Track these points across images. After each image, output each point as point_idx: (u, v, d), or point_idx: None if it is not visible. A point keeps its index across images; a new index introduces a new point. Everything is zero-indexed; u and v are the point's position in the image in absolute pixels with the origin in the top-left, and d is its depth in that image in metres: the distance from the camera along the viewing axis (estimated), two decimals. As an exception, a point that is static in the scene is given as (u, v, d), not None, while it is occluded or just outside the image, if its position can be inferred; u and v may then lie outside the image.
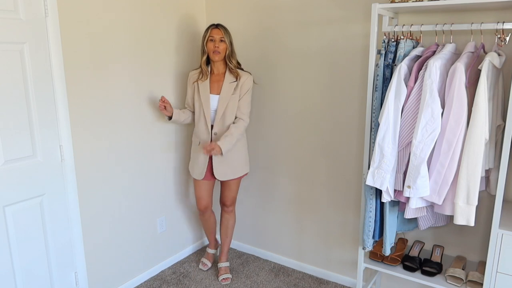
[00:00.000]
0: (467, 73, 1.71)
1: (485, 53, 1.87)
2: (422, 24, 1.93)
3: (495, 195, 1.94)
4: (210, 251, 2.97)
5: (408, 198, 1.90)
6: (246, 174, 2.68)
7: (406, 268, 2.10)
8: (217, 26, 2.45)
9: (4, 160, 1.92)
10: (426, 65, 1.78)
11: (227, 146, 2.42)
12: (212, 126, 2.52)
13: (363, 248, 2.08)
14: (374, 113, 2.01)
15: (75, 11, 2.12)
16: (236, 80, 2.47)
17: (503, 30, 1.78)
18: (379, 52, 1.99)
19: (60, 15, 2.05)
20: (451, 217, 2.11)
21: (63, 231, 2.23)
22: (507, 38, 1.78)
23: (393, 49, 1.96)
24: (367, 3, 2.29)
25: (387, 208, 1.98)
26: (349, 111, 2.48)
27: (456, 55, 1.91)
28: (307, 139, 2.68)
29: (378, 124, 1.87)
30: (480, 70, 1.70)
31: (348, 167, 2.55)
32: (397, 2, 1.92)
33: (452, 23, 1.86)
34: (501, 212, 1.90)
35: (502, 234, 1.77)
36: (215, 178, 2.58)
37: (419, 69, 1.85)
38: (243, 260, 3.04)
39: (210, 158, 2.55)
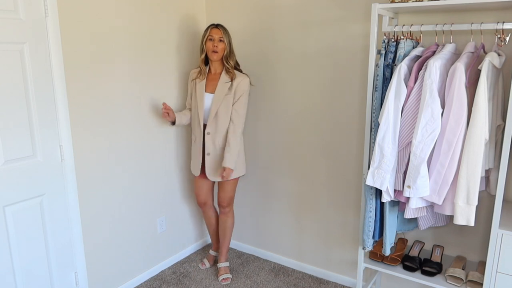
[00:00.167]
0: (467, 73, 1.71)
1: (485, 53, 1.87)
2: (422, 24, 1.93)
3: (495, 195, 1.94)
4: (212, 252, 2.97)
5: (408, 198, 1.90)
6: (241, 176, 2.66)
7: (406, 268, 2.10)
8: (216, 26, 2.47)
9: (4, 160, 1.92)
10: (426, 65, 1.78)
11: (231, 161, 2.47)
12: (205, 126, 2.54)
13: (363, 248, 2.08)
14: (374, 113, 2.01)
15: (75, 11, 2.12)
16: (231, 81, 2.47)
17: (503, 30, 1.78)
18: (379, 52, 1.99)
19: (60, 15, 2.05)
20: (451, 217, 2.12)
21: (63, 231, 2.23)
22: (507, 38, 1.78)
23: (393, 49, 1.96)
24: (367, 3, 2.29)
25: (387, 208, 1.98)
26: (349, 111, 2.48)
27: (456, 55, 1.91)
28: (307, 139, 2.68)
29: (378, 124, 1.87)
30: (480, 70, 1.70)
31: (348, 167, 2.55)
32: (397, 2, 1.92)
33: (452, 23, 1.86)
34: (501, 212, 1.90)
35: (502, 234, 1.77)
36: None
37: (419, 69, 1.85)
38: (243, 260, 3.04)
39: (203, 157, 2.57)
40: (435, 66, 1.73)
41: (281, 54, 2.67)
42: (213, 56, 2.45)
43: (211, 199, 2.79)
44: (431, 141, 1.77)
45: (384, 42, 1.97)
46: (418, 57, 1.92)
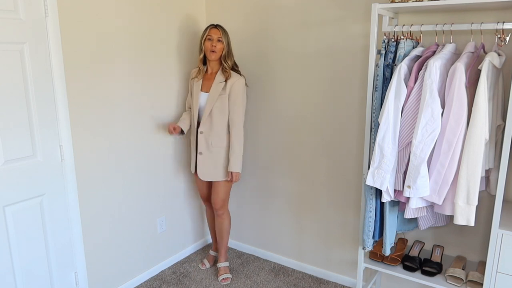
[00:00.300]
0: (467, 73, 1.71)
1: (485, 53, 1.87)
2: (422, 24, 1.93)
3: (495, 195, 1.94)
4: (212, 253, 2.97)
5: (408, 198, 1.90)
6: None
7: (406, 268, 2.10)
8: (216, 26, 2.48)
9: (4, 160, 1.92)
10: (426, 65, 1.77)
11: (236, 164, 2.50)
12: (199, 124, 2.57)
13: (363, 248, 2.08)
14: (374, 113, 2.01)
15: (75, 11, 2.12)
16: (225, 81, 2.48)
17: (503, 30, 1.78)
18: (379, 52, 1.99)
19: (60, 15, 2.05)
20: (451, 217, 2.11)
21: (63, 231, 2.23)
22: (507, 38, 1.78)
23: (393, 49, 1.96)
24: (367, 3, 2.29)
25: (387, 208, 1.98)
26: (349, 111, 2.48)
27: (456, 55, 1.91)
28: (307, 139, 2.68)
29: (378, 124, 1.87)
30: (480, 70, 1.70)
31: (348, 167, 2.55)
32: (397, 2, 1.92)
33: (452, 23, 1.86)
34: (501, 212, 1.90)
35: (502, 234, 1.77)
36: None
37: (419, 69, 1.85)
38: (243, 260, 3.04)
39: (196, 156, 2.62)
40: (435, 66, 1.73)
41: (281, 54, 2.67)
42: (211, 56, 2.47)
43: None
44: (431, 141, 1.77)
45: (384, 42, 1.97)
46: (418, 57, 1.92)
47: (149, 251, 2.78)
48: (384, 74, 1.97)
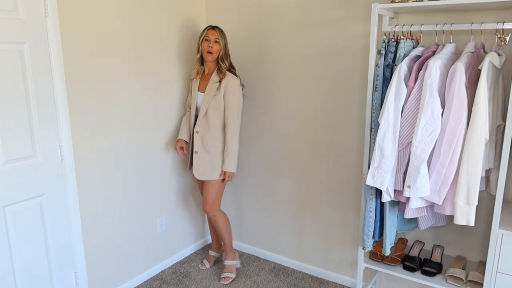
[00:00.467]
0: (467, 73, 1.71)
1: (485, 53, 1.87)
2: (422, 24, 1.93)
3: (495, 195, 1.95)
4: (211, 253, 2.97)
5: (408, 198, 1.90)
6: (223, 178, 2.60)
7: (406, 268, 2.10)
8: (213, 27, 2.50)
9: (4, 160, 1.92)
10: (426, 65, 1.77)
11: (230, 164, 2.51)
12: (195, 124, 2.58)
13: (363, 248, 2.08)
14: (374, 113, 2.01)
15: (75, 11, 2.12)
16: (219, 81, 2.48)
17: (503, 30, 1.78)
18: (379, 52, 1.99)
19: (60, 15, 2.05)
20: (451, 217, 2.11)
21: (63, 231, 2.23)
22: (507, 38, 1.78)
23: (393, 49, 1.96)
24: (367, 3, 2.29)
25: (387, 208, 1.98)
26: (349, 111, 2.48)
27: (456, 55, 1.91)
28: (307, 139, 2.68)
29: (378, 124, 1.87)
30: (480, 70, 1.70)
31: (348, 167, 2.55)
32: (397, 2, 1.92)
33: (452, 23, 1.86)
34: (501, 212, 1.90)
35: (502, 234, 1.77)
36: None
37: (419, 69, 1.85)
38: (243, 260, 3.04)
39: (192, 154, 2.65)
40: (435, 66, 1.73)
41: (282, 54, 2.67)
42: (208, 56, 2.49)
43: None
44: (431, 141, 1.77)
45: (384, 42, 1.97)
46: (418, 57, 1.92)
47: (149, 251, 2.78)
48: (384, 74, 1.97)
